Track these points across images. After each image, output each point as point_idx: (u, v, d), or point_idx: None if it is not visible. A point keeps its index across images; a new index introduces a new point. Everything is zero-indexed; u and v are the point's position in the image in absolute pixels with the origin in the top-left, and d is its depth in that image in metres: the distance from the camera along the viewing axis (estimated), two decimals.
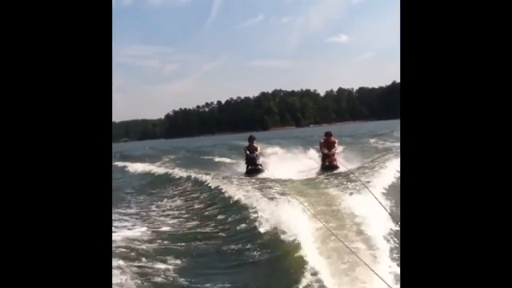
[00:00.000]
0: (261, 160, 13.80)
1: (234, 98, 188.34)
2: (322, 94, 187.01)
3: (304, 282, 4.02)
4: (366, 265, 3.07)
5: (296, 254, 4.71)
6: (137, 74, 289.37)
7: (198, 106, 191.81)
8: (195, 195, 10.47)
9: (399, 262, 3.60)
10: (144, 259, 5.29)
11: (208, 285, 4.49)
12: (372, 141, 26.66)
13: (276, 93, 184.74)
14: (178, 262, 5.30)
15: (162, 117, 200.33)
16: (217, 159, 21.87)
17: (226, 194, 9.19)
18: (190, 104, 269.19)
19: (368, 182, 9.04)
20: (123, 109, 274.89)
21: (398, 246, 4.54)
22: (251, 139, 13.91)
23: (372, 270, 2.79)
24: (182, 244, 6.13)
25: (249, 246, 5.70)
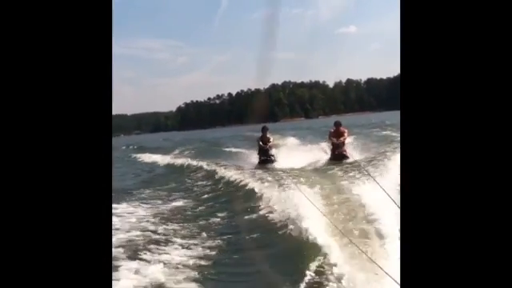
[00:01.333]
0: (273, 151, 14.09)
1: (245, 89, 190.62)
2: (331, 85, 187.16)
3: (315, 264, 4.16)
4: (372, 260, 3.21)
5: (306, 241, 4.82)
6: (148, 67, 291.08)
7: (209, 98, 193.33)
8: (208, 183, 11.10)
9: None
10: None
11: (222, 269, 4.77)
12: (382, 131, 26.31)
13: (285, 84, 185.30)
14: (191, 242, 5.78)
15: (174, 109, 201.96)
16: (233, 150, 22.19)
17: (239, 183, 9.54)
18: (201, 96, 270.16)
19: (377, 171, 9.07)
20: (134, 102, 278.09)
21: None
22: (264, 130, 14.05)
23: (374, 262, 2.98)
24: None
25: (259, 234, 5.93)
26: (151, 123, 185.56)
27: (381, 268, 2.48)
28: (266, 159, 13.66)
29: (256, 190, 8.48)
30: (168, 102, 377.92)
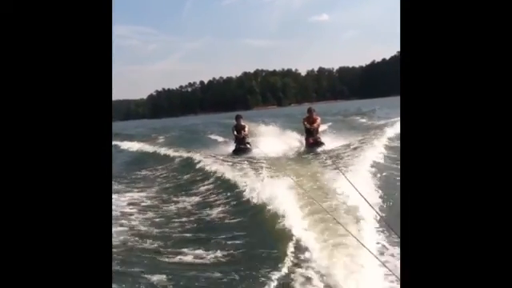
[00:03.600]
0: (249, 139, 13.77)
1: (217, 77, 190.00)
2: (303, 73, 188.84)
3: (290, 248, 4.20)
4: (353, 236, 3.34)
5: (282, 227, 4.85)
6: (117, 54, 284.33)
7: (180, 86, 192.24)
8: (183, 172, 10.68)
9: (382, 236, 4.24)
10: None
11: (200, 252, 4.66)
12: (356, 119, 26.50)
13: (258, 72, 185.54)
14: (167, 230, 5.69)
15: (144, 97, 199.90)
16: (212, 137, 22.05)
17: (216, 172, 9.34)
18: (173, 84, 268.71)
19: (354, 159, 9.14)
20: None
21: (379, 220, 4.72)
22: (238, 118, 13.78)
23: (356, 238, 3.10)
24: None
25: (236, 219, 5.93)
26: (122, 111, 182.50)
27: (366, 247, 2.76)
28: (240, 148, 13.24)
29: (229, 177, 8.42)
30: (138, 89, 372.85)
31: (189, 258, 4.54)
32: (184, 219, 6.27)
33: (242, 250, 4.66)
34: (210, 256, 4.54)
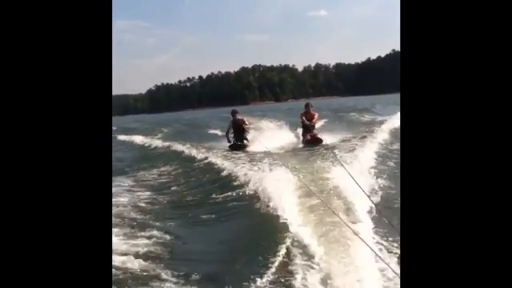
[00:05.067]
0: (249, 134, 13.31)
1: (215, 72, 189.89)
2: (300, 69, 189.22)
3: (286, 242, 4.13)
4: (350, 228, 3.26)
5: (279, 220, 4.78)
6: (115, 48, 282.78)
7: (179, 81, 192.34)
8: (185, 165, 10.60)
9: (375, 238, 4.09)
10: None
11: (197, 246, 4.74)
12: (354, 115, 26.36)
13: (256, 68, 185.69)
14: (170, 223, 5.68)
15: (143, 92, 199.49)
16: (211, 131, 21.85)
17: (214, 165, 9.31)
18: (171, 79, 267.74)
19: (353, 155, 8.95)
20: None
21: (379, 219, 4.68)
22: (234, 113, 13.44)
23: (354, 232, 3.03)
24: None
25: (233, 212, 5.94)
26: (120, 106, 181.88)
27: (364, 241, 2.71)
28: (235, 144, 12.73)
29: (229, 170, 8.38)
30: (136, 84, 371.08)
31: None
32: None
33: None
34: None
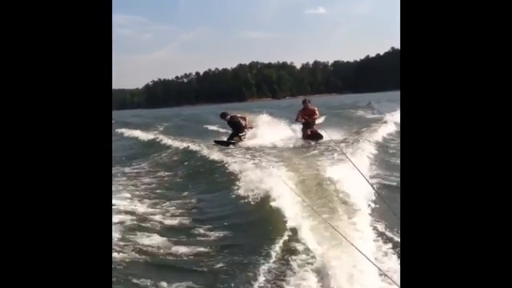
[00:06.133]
0: (248, 131, 13.26)
1: (212, 69, 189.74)
2: (298, 66, 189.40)
3: (284, 238, 4.19)
4: (346, 239, 3.05)
5: (277, 218, 4.80)
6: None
7: (177, 77, 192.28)
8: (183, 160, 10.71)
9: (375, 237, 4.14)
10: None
11: (193, 239, 4.75)
12: (353, 112, 26.54)
13: (253, 64, 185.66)
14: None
15: (139, 87, 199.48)
16: (210, 128, 21.83)
17: (210, 160, 9.44)
18: (168, 75, 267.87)
19: (353, 151, 8.86)
20: None
21: (379, 214, 4.73)
22: (223, 116, 13.45)
23: (346, 239, 2.94)
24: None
25: (231, 210, 5.94)
26: (117, 100, 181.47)
27: (356, 248, 2.56)
28: (230, 141, 12.60)
29: (227, 166, 8.43)
30: (134, 79, 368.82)
31: None
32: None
33: None
34: None
